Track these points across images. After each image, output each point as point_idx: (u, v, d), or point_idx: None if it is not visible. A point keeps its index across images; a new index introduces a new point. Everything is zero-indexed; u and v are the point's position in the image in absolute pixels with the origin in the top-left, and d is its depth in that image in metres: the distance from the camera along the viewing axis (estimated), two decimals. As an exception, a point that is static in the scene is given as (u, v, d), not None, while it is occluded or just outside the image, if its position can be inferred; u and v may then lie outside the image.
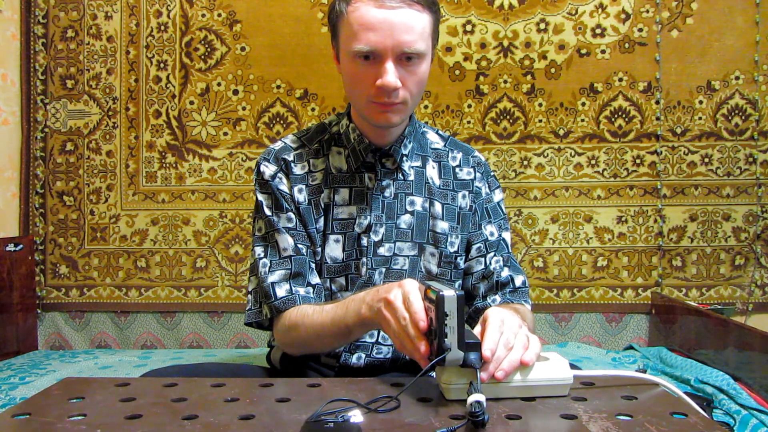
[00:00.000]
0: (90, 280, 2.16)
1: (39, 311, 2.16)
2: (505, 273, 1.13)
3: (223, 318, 2.14)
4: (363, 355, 1.06)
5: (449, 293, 0.70)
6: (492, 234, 1.14)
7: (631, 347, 2.01)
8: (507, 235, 1.17)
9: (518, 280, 1.14)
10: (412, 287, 0.78)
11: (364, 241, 1.05)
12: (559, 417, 0.67)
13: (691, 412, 0.69)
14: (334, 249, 1.06)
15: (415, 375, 1.08)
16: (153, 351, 2.09)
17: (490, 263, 1.12)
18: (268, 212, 1.06)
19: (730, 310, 2.04)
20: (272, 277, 1.03)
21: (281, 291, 1.02)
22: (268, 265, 1.04)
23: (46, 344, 2.17)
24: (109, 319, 2.16)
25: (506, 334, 0.75)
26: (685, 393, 0.77)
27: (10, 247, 2.05)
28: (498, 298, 1.12)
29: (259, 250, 1.06)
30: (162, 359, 1.89)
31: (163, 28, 2.15)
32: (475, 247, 1.13)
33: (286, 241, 1.04)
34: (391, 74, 0.93)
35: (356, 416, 0.65)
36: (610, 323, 2.08)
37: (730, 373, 1.45)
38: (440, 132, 1.19)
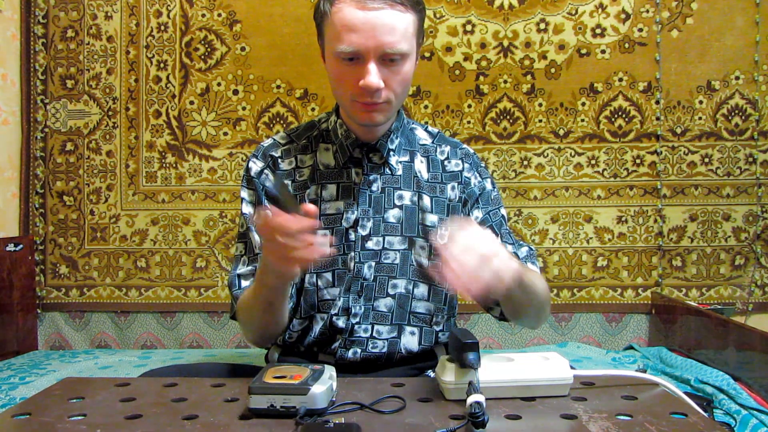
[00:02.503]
0: (90, 280, 2.16)
1: (39, 311, 2.16)
2: (510, 249, 1.09)
3: (223, 318, 2.14)
4: (359, 350, 1.07)
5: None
6: (477, 218, 1.13)
7: (631, 347, 2.01)
8: (503, 212, 1.15)
9: (522, 251, 1.12)
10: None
11: (352, 236, 1.06)
12: (559, 417, 0.67)
13: (691, 412, 0.69)
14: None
15: (410, 370, 1.09)
16: (153, 351, 2.09)
17: None
18: (246, 209, 1.10)
19: (730, 310, 2.04)
20: (240, 270, 1.08)
21: (245, 282, 1.06)
22: (241, 260, 1.09)
23: (46, 344, 2.17)
24: (109, 319, 2.16)
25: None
26: (685, 393, 0.77)
27: (10, 247, 2.05)
28: None
29: (240, 247, 1.11)
30: (162, 359, 1.89)
31: (163, 28, 2.15)
32: None
33: (256, 239, 1.07)
34: (373, 75, 0.94)
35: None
36: (610, 323, 2.08)
37: (730, 373, 1.45)
38: (429, 129, 1.19)
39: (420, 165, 1.13)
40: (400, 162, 1.11)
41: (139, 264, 2.15)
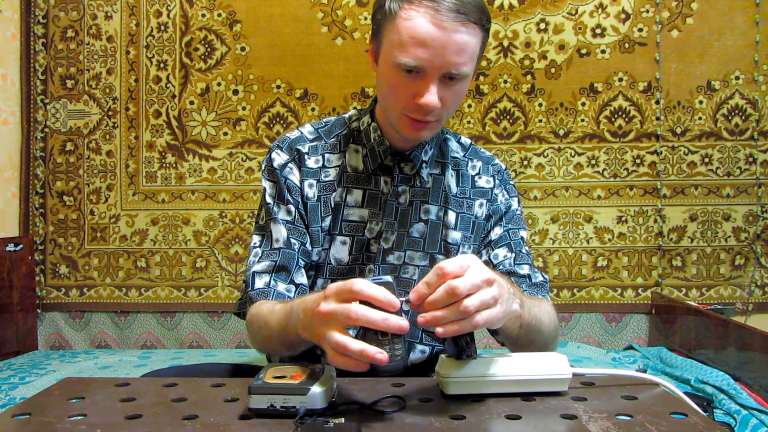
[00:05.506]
0: (90, 280, 2.16)
1: (39, 311, 2.16)
2: (525, 270, 1.06)
3: (223, 318, 2.14)
4: None
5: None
6: (496, 234, 1.09)
7: (631, 347, 2.01)
8: (523, 234, 1.11)
9: (536, 277, 1.07)
10: (352, 280, 0.68)
11: (374, 248, 1.03)
12: (559, 417, 0.67)
13: (691, 412, 0.69)
14: (340, 251, 1.03)
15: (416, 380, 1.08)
16: (153, 351, 2.09)
17: (497, 257, 1.06)
18: (269, 200, 1.04)
19: (730, 310, 2.04)
20: (257, 267, 1.00)
21: (260, 282, 0.99)
22: (259, 254, 1.02)
23: (46, 344, 2.17)
24: (109, 319, 2.16)
25: (464, 279, 0.66)
26: (685, 393, 0.77)
27: (10, 247, 2.05)
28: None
29: (256, 239, 1.04)
30: (162, 359, 1.89)
31: (163, 28, 2.15)
32: (483, 252, 1.09)
33: (280, 232, 1.01)
34: (433, 95, 0.89)
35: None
36: (610, 323, 2.08)
37: (730, 373, 1.45)
38: (462, 140, 1.15)
39: (450, 179, 1.08)
40: (431, 174, 1.07)
41: (139, 264, 2.15)
